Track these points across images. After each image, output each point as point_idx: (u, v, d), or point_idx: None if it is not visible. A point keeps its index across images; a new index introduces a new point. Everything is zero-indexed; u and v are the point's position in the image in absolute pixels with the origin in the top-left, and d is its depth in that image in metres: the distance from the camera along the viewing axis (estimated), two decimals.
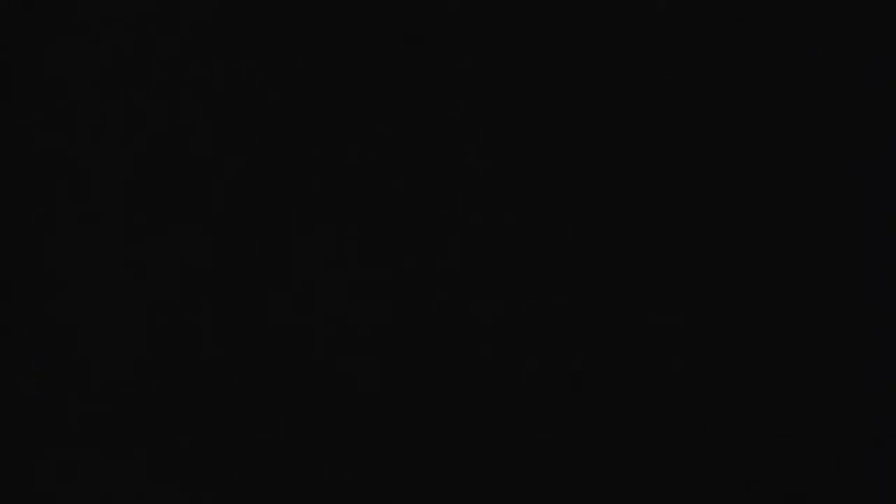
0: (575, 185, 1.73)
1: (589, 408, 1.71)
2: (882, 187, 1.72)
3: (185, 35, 1.73)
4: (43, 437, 1.69)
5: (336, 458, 1.70)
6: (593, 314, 1.71)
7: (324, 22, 1.74)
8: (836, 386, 1.70)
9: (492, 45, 1.73)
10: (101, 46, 1.73)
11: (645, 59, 1.73)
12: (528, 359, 1.71)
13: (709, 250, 1.72)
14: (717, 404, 1.71)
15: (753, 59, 1.73)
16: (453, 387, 1.71)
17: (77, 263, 1.71)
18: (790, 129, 1.74)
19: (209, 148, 1.72)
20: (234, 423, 1.70)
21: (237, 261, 1.72)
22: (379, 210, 1.73)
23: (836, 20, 1.73)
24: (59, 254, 1.71)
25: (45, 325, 1.70)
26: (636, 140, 1.74)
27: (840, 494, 1.68)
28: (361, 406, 1.71)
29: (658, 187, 1.73)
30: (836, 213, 1.72)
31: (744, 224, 1.73)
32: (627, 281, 1.72)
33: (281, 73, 1.73)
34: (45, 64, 1.73)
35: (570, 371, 1.71)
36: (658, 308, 1.71)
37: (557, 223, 1.73)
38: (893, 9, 1.73)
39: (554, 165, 1.73)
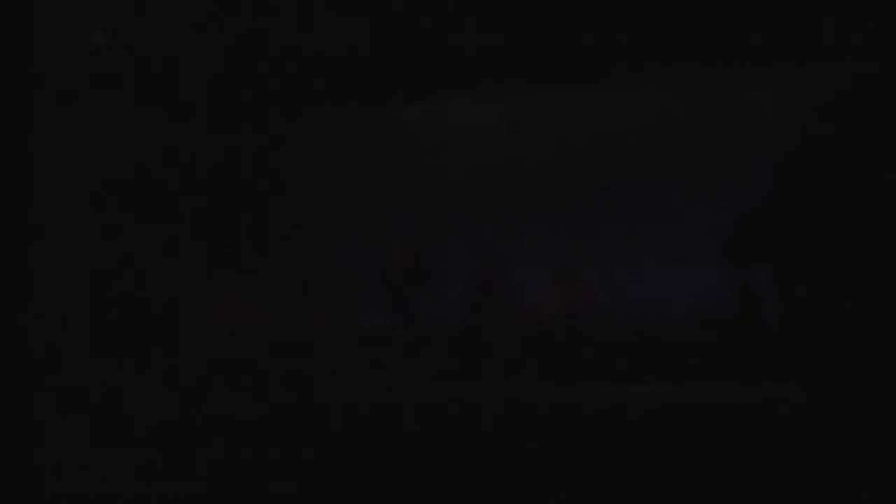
0: (573, 183, 1.74)
1: (591, 410, 1.71)
2: None
3: (185, 35, 1.74)
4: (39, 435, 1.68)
5: (336, 460, 1.70)
6: (599, 318, 1.71)
7: (324, 21, 1.75)
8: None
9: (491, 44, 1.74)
10: (101, 46, 1.74)
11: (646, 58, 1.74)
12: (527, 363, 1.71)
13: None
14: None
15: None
16: (453, 390, 1.71)
17: (74, 262, 1.71)
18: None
19: (209, 147, 1.73)
20: (232, 424, 1.70)
21: (236, 259, 1.72)
22: (380, 209, 1.73)
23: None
24: (54, 252, 1.71)
25: (37, 321, 1.70)
26: (640, 140, 1.74)
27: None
28: (362, 407, 1.70)
29: (670, 189, 1.74)
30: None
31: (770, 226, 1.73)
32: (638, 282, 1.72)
33: (281, 72, 1.74)
34: (43, 63, 1.73)
35: (570, 375, 1.71)
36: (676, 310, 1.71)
37: (556, 220, 1.73)
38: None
39: (552, 162, 1.74)
